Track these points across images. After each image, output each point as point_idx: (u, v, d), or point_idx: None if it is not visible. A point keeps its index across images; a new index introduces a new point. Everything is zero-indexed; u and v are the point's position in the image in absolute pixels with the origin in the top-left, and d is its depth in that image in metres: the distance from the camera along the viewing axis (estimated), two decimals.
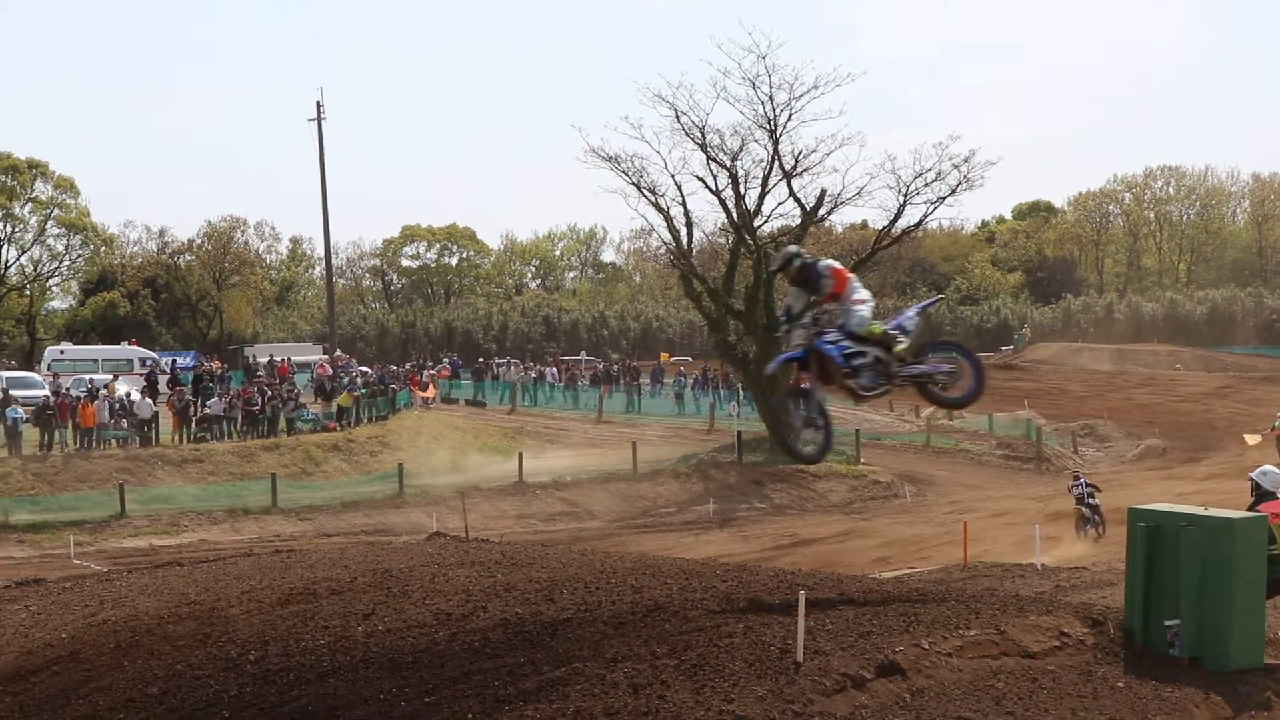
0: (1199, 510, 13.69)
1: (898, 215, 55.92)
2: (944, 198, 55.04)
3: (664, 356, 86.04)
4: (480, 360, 78.47)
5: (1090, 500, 36.66)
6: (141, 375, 60.12)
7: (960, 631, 12.72)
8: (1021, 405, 71.79)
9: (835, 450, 54.15)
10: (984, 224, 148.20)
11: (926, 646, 12.21)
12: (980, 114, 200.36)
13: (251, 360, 71.81)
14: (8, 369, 70.70)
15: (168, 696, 12.66)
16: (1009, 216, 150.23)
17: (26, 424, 47.43)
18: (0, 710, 13.29)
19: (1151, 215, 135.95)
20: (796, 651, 11.81)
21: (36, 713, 13.00)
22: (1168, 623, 13.10)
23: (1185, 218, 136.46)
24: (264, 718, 11.90)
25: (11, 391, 51.53)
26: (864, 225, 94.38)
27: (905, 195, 54.83)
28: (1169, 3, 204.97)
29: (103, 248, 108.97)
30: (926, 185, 54.65)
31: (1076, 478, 38.69)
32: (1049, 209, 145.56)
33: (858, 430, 57.23)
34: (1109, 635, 13.29)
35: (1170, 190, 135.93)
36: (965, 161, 54.34)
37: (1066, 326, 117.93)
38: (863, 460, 53.15)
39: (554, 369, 71.90)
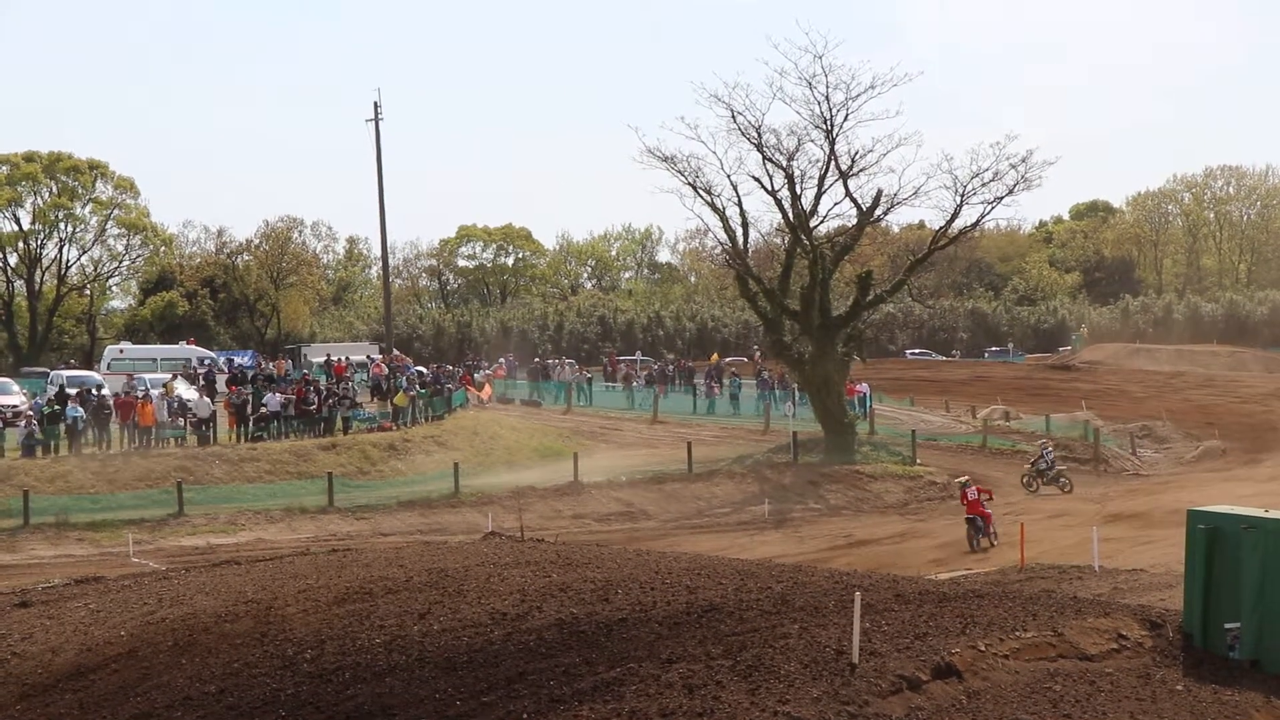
0: (1259, 512, 13.55)
1: (954, 215, 55.61)
2: (1001, 198, 54.68)
3: (714, 357, 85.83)
4: (536, 360, 78.59)
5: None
6: (199, 374, 60.54)
7: (1017, 633, 12.65)
8: (1079, 406, 71.28)
9: (890, 450, 54.07)
10: (1042, 224, 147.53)
11: (983, 648, 12.15)
12: (1036, 113, 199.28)
13: (305, 361, 72.17)
14: (69, 368, 71.33)
15: (225, 694, 12.74)
16: (1067, 216, 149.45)
17: (87, 423, 47.78)
18: (60, 707, 13.41)
19: (1211, 215, 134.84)
20: (852, 653, 11.77)
21: (96, 710, 13.10)
22: (1227, 625, 12.98)
23: (1245, 217, 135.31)
24: (320, 716, 11.95)
25: (70, 390, 51.97)
26: (921, 225, 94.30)
27: (962, 195, 54.52)
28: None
29: (162, 248, 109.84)
30: (984, 185, 54.31)
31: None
32: (1107, 209, 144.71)
33: (914, 431, 56.97)
34: (1168, 638, 13.18)
35: (1230, 190, 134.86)
36: (1023, 161, 53.98)
37: (1124, 327, 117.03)
38: (919, 461, 52.87)
39: (641, 377, 71.59)
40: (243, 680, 12.95)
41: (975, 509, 36.55)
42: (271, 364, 67.35)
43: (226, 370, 62.60)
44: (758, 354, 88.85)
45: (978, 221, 57.67)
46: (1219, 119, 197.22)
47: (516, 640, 12.88)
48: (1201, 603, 13.20)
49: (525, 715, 11.19)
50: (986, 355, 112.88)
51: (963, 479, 40.09)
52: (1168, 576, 23.98)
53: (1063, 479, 47.43)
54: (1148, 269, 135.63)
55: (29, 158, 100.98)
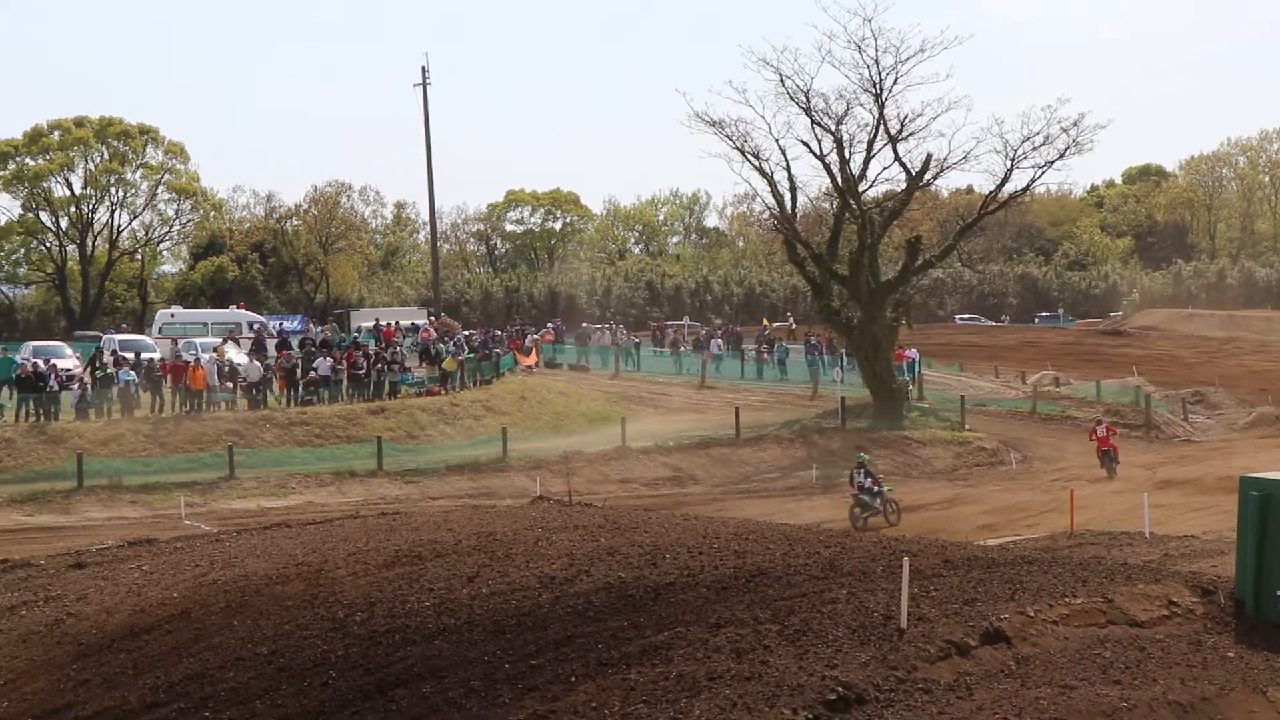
0: None
1: (1004, 180, 55.33)
2: (1052, 162, 54.41)
3: (764, 322, 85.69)
4: (584, 325, 78.59)
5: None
6: (250, 338, 60.84)
7: (1066, 599, 12.61)
8: (1130, 372, 70.86)
9: (939, 416, 53.91)
10: (1093, 188, 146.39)
11: (1032, 614, 12.12)
12: (1089, 74, 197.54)
13: (352, 327, 72.34)
14: (120, 332, 71.79)
15: (276, 656, 12.84)
16: (1119, 180, 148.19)
17: (139, 387, 48.12)
18: (115, 666, 13.55)
19: (1266, 179, 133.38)
20: (900, 618, 11.77)
21: (150, 669, 13.23)
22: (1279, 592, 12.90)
23: None
24: (370, 678, 12.03)
25: (123, 354, 52.31)
26: (970, 190, 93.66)
27: (1012, 159, 54.24)
28: None
29: (212, 212, 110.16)
30: (1034, 149, 54.02)
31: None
32: (1160, 173, 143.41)
33: (962, 397, 56.82)
34: (1219, 604, 13.11)
35: None
36: (1074, 125, 53.69)
37: (1177, 292, 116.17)
38: (968, 427, 52.73)
39: (719, 339, 71.36)
40: (294, 642, 13.04)
41: (1106, 443, 43.94)
42: (321, 328, 67.56)
43: (276, 335, 62.86)
44: (791, 321, 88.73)
45: (1028, 186, 57.50)
46: (1275, 80, 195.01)
47: (565, 604, 12.93)
48: (1254, 569, 13.12)
49: (573, 678, 11.23)
50: (1036, 320, 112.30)
51: (1096, 416, 47.80)
52: (1219, 543, 23.86)
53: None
54: (1201, 233, 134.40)
55: (80, 123, 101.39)
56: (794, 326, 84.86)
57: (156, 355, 53.92)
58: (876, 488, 36.01)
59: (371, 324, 69.68)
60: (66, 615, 15.60)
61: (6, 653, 14.74)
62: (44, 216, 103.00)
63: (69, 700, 13.05)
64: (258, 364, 51.26)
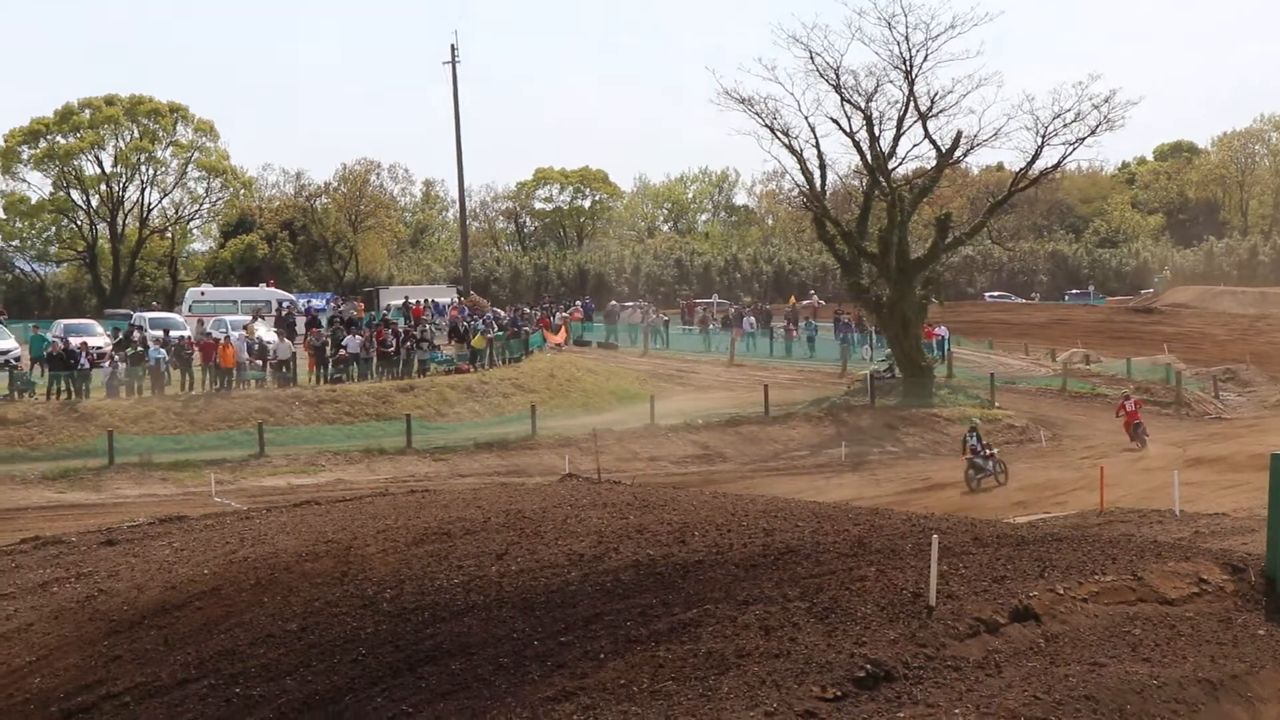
0: None
1: (1035, 157, 55.08)
2: (1083, 138, 54.13)
3: (792, 300, 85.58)
4: (613, 303, 78.63)
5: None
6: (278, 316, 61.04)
7: (1096, 577, 12.57)
8: (1161, 349, 70.58)
9: (969, 393, 53.79)
10: (1124, 165, 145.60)
11: (1061, 592, 12.08)
12: (1119, 52, 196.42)
13: (381, 305, 72.49)
14: (151, 310, 72.10)
15: (306, 633, 12.88)
16: (1150, 157, 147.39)
17: (169, 365, 48.32)
18: (146, 643, 13.60)
19: None
20: (929, 595, 11.74)
21: (180, 646, 13.28)
22: None
23: None
24: (399, 655, 12.06)
25: (152, 332, 52.56)
26: (1000, 167, 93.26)
27: (1043, 136, 54.01)
28: None
29: (241, 191, 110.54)
30: (1065, 126, 53.76)
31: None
32: (1192, 149, 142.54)
33: (992, 374, 56.67)
34: (1250, 582, 13.04)
35: None
36: (1105, 101, 53.42)
37: (1208, 269, 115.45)
38: (997, 404, 52.61)
39: (752, 317, 71.31)
40: (323, 619, 13.08)
41: (1135, 417, 45.85)
42: (351, 306, 67.73)
43: (305, 313, 63.05)
44: (814, 297, 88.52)
45: (1059, 163, 57.23)
46: None
47: (594, 581, 12.93)
48: None
49: (602, 655, 11.24)
50: (1066, 298, 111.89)
51: (1124, 392, 50.41)
52: (1250, 521, 23.77)
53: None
54: (1233, 210, 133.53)
55: (110, 101, 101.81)
56: (819, 304, 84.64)
57: (184, 332, 54.10)
58: (987, 451, 38.90)
59: (400, 302, 69.86)
60: (98, 592, 15.66)
61: (39, 629, 14.82)
62: (75, 195, 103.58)
63: (100, 676, 13.11)
64: (287, 342, 51.42)
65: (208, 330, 54.40)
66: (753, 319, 70.45)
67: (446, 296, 77.91)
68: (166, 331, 53.03)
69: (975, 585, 12.24)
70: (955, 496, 36.16)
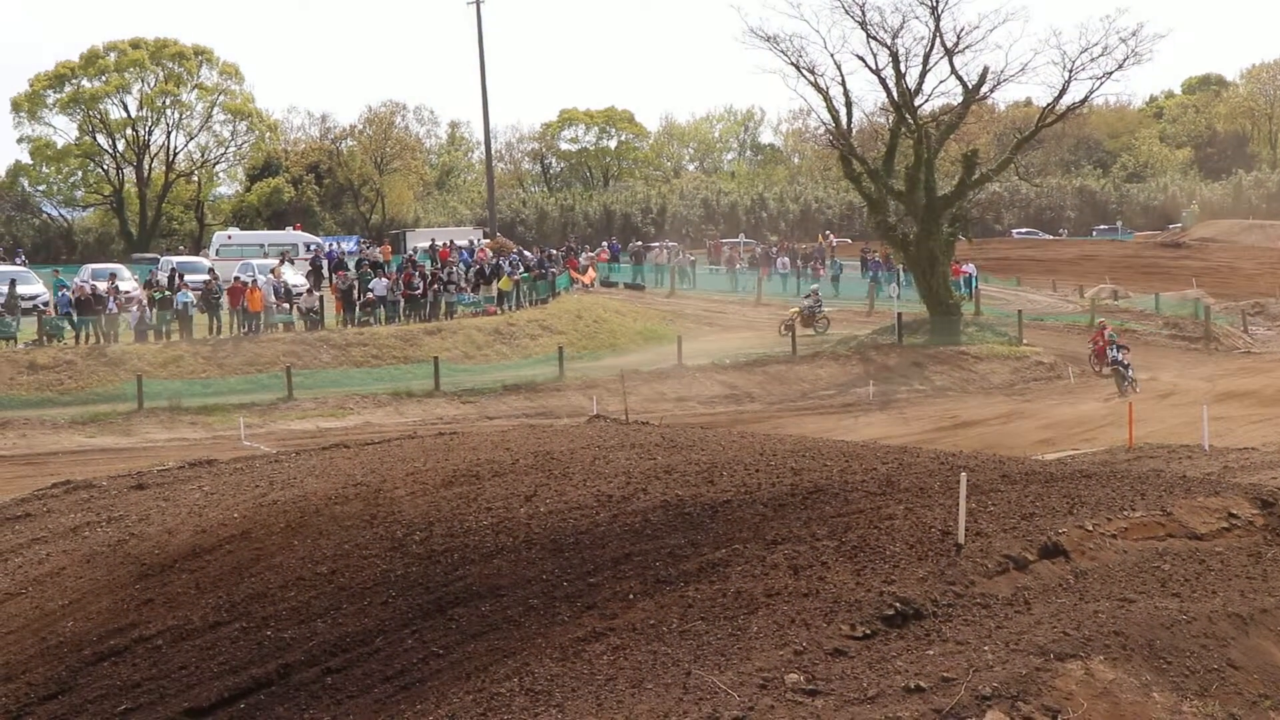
0: None
1: (1062, 92, 54.55)
2: (1110, 73, 53.54)
3: (828, 235, 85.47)
4: (638, 244, 78.49)
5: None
6: (306, 260, 61.12)
7: (1125, 513, 12.55)
8: (1189, 284, 70.28)
9: (996, 331, 53.62)
10: (1152, 99, 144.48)
11: (1090, 528, 12.06)
12: None
13: (408, 247, 72.50)
14: (178, 254, 72.27)
15: (336, 575, 12.94)
16: (1178, 91, 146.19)
17: (196, 309, 48.45)
18: (177, 586, 13.69)
19: None
20: (958, 533, 11.74)
21: (212, 589, 13.36)
22: None
23: None
24: (429, 596, 12.11)
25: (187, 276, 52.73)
26: (1028, 103, 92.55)
27: (1070, 71, 53.45)
28: None
29: (267, 134, 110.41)
30: (1092, 60, 53.22)
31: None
32: (1220, 82, 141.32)
33: (1020, 311, 56.44)
34: (1279, 516, 13.01)
35: None
36: (1133, 35, 52.82)
37: (1237, 203, 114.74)
38: (1025, 341, 52.40)
39: (785, 257, 71.13)
40: (353, 561, 13.13)
41: (1103, 349, 44.44)
42: (377, 249, 67.76)
43: (330, 257, 63.12)
44: (830, 236, 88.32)
45: (1086, 98, 56.68)
46: None
47: (622, 522, 12.95)
48: None
49: (632, 596, 11.27)
50: (1094, 234, 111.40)
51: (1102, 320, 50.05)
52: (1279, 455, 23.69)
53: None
54: (1262, 143, 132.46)
55: (135, 44, 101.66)
56: (835, 243, 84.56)
57: (204, 276, 54.08)
58: (1126, 358, 41.91)
59: (427, 244, 69.85)
60: (129, 536, 15.74)
61: (71, 573, 14.92)
62: (100, 139, 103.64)
63: (133, 619, 13.20)
64: (315, 293, 51.49)
65: (217, 287, 53.62)
66: (785, 259, 70.22)
67: (474, 238, 77.84)
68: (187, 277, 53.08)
69: (1004, 522, 12.23)
70: (984, 434, 36.07)
